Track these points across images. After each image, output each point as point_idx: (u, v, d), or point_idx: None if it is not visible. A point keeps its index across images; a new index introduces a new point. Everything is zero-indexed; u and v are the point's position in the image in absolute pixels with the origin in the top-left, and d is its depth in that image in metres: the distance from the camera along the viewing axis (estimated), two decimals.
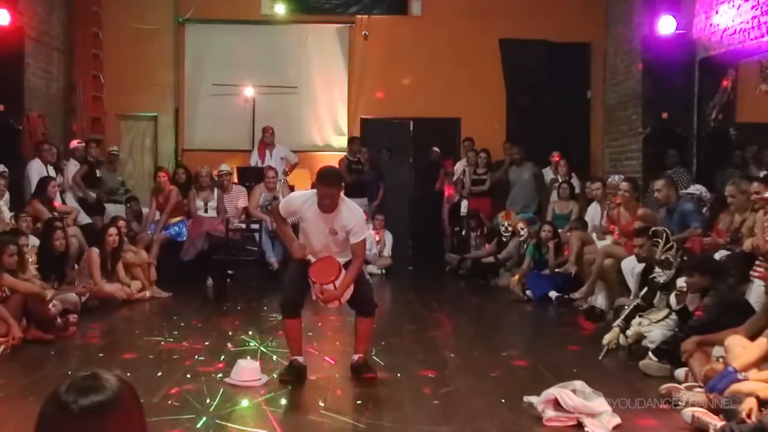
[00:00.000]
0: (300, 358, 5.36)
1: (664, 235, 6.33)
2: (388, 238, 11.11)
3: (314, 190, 5.16)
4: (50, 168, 9.38)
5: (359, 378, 5.29)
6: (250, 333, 6.74)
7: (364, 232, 5.27)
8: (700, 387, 4.67)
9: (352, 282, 5.16)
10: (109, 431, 1.46)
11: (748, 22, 8.11)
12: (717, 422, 4.12)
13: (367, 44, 12.61)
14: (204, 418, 4.39)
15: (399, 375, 5.44)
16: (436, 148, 12.11)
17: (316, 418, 4.55)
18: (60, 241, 7.64)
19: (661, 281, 6.10)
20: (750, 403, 3.98)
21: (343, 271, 5.13)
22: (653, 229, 6.68)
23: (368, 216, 11.19)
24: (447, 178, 11.96)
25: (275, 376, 5.28)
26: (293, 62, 12.70)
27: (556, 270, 8.89)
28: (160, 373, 5.30)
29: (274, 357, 5.85)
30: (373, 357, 5.82)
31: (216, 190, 10.12)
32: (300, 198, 5.32)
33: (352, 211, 5.16)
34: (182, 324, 7.21)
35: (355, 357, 5.39)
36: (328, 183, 5.05)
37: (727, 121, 9.28)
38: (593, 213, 9.30)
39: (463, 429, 4.30)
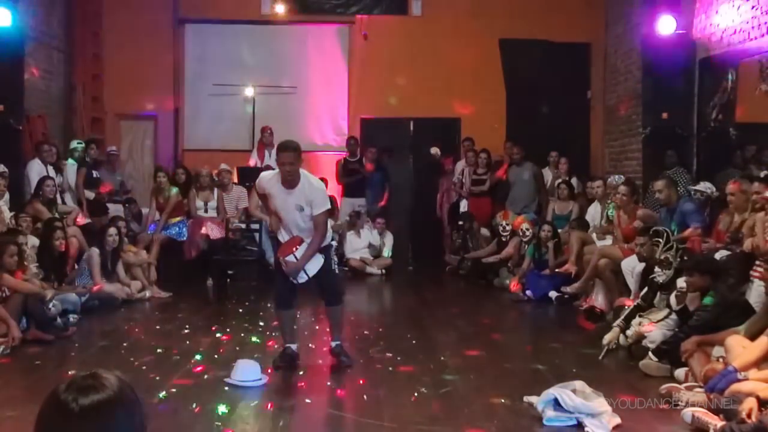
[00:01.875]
0: (293, 346, 5.65)
1: (665, 234, 6.33)
2: (388, 239, 11.12)
3: (278, 170, 5.42)
4: (50, 168, 9.37)
5: (359, 376, 5.36)
6: (250, 333, 6.75)
7: (326, 204, 5.50)
8: (700, 387, 4.67)
9: (314, 252, 5.38)
10: (108, 431, 1.47)
11: (748, 22, 8.10)
12: (717, 422, 4.12)
13: (367, 44, 12.61)
14: (203, 418, 4.39)
15: (399, 375, 5.44)
16: (435, 148, 12.10)
17: (316, 418, 4.55)
18: (60, 241, 7.64)
19: (661, 281, 6.10)
20: (750, 403, 3.98)
21: (305, 244, 5.34)
22: (654, 228, 6.68)
23: (367, 216, 11.26)
24: (446, 177, 11.96)
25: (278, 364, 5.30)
26: (293, 62, 12.70)
27: (556, 270, 8.88)
28: (159, 373, 5.31)
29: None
30: (374, 357, 5.83)
31: (216, 190, 10.12)
32: (267, 175, 5.63)
33: (313, 184, 5.45)
34: (182, 324, 7.21)
35: (333, 344, 5.71)
36: (285, 147, 5.33)
37: (727, 121, 9.26)
38: (594, 213, 9.30)
39: (463, 429, 4.30)
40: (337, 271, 5.87)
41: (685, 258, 6.08)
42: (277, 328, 6.04)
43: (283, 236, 5.51)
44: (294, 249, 5.33)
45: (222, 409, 4.52)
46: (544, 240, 9.20)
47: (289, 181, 5.31)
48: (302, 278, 5.43)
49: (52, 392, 1.49)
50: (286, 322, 5.69)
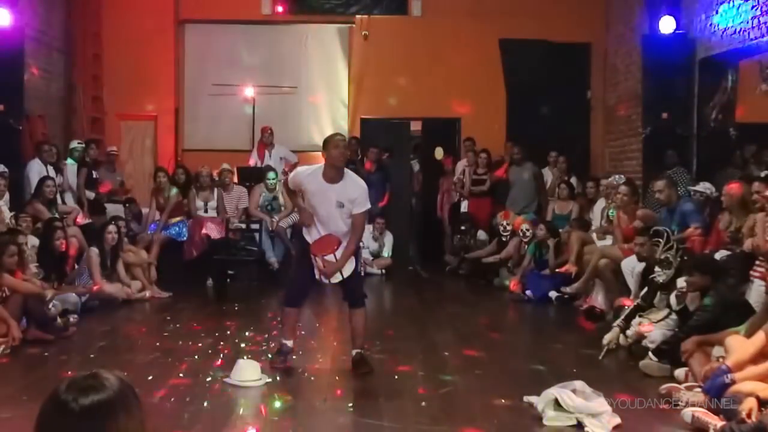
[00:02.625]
0: (289, 342, 5.58)
1: (665, 234, 6.33)
2: (388, 239, 11.11)
3: (319, 164, 5.37)
4: (50, 168, 9.37)
5: (358, 375, 5.34)
6: (250, 333, 6.74)
7: (367, 204, 5.41)
8: (700, 387, 4.67)
9: (352, 253, 5.34)
10: (108, 431, 1.47)
11: (748, 22, 8.11)
12: (717, 422, 4.12)
13: (367, 44, 12.61)
14: (204, 419, 4.39)
15: (399, 375, 5.44)
16: (440, 149, 12.10)
17: (316, 418, 4.55)
18: (60, 241, 7.64)
19: (661, 281, 6.10)
20: (750, 403, 3.98)
21: (343, 244, 5.29)
22: (654, 228, 6.68)
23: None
24: (446, 177, 11.95)
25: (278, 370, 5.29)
26: (293, 62, 12.70)
27: (557, 270, 8.87)
28: (159, 373, 5.31)
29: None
30: (374, 357, 5.83)
31: (216, 190, 10.11)
32: (305, 171, 5.51)
33: (356, 181, 5.38)
34: (182, 324, 7.21)
35: (354, 352, 5.52)
36: (337, 133, 5.39)
37: (727, 121, 9.27)
38: (598, 210, 9.28)
39: (463, 429, 4.29)
40: (363, 274, 5.75)
41: (685, 258, 6.08)
42: (277, 326, 5.99)
43: (312, 234, 5.39)
44: (334, 249, 5.24)
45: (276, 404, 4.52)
46: (540, 239, 9.20)
47: (338, 169, 5.26)
48: (337, 278, 5.36)
49: (53, 392, 1.50)
50: (291, 320, 5.62)
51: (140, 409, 1.55)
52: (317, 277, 5.39)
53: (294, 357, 5.73)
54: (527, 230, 9.58)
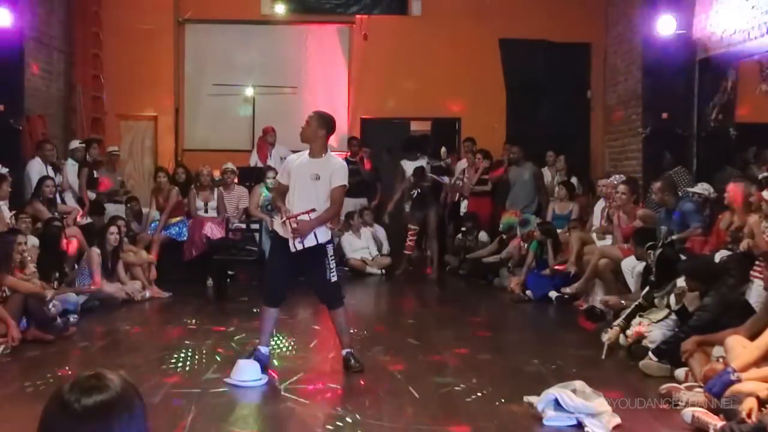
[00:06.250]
0: (264, 350, 5.52)
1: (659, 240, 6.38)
2: (381, 232, 11.09)
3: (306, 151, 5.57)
4: (50, 168, 9.37)
5: (353, 374, 5.36)
6: (250, 333, 6.74)
7: (345, 180, 5.52)
8: (700, 387, 4.68)
9: (326, 220, 5.47)
10: (112, 431, 1.47)
11: (748, 22, 8.10)
12: (717, 422, 4.12)
13: (367, 44, 12.60)
14: (204, 419, 4.39)
15: (399, 375, 5.45)
16: (444, 148, 12.08)
17: (316, 418, 4.55)
18: (60, 240, 7.63)
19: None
20: (750, 403, 3.98)
21: (316, 213, 5.34)
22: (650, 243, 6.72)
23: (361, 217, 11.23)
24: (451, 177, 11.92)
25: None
26: (293, 62, 12.71)
27: (556, 268, 8.87)
28: (159, 373, 5.31)
29: (275, 360, 5.85)
30: (373, 357, 5.84)
31: (216, 190, 10.10)
32: (294, 155, 5.74)
33: (335, 158, 5.65)
34: (182, 324, 7.21)
35: (344, 352, 5.56)
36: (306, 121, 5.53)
37: (727, 121, 9.27)
38: (597, 209, 9.29)
39: (463, 429, 4.30)
40: (334, 278, 5.65)
41: (684, 258, 6.09)
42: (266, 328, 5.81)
43: (284, 228, 5.41)
44: (308, 211, 5.29)
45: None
46: (530, 238, 9.23)
47: (309, 142, 5.45)
48: (298, 246, 5.29)
49: (56, 392, 1.50)
50: (269, 323, 5.57)
51: (143, 409, 1.56)
52: (291, 246, 5.29)
53: (295, 358, 5.73)
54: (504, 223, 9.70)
